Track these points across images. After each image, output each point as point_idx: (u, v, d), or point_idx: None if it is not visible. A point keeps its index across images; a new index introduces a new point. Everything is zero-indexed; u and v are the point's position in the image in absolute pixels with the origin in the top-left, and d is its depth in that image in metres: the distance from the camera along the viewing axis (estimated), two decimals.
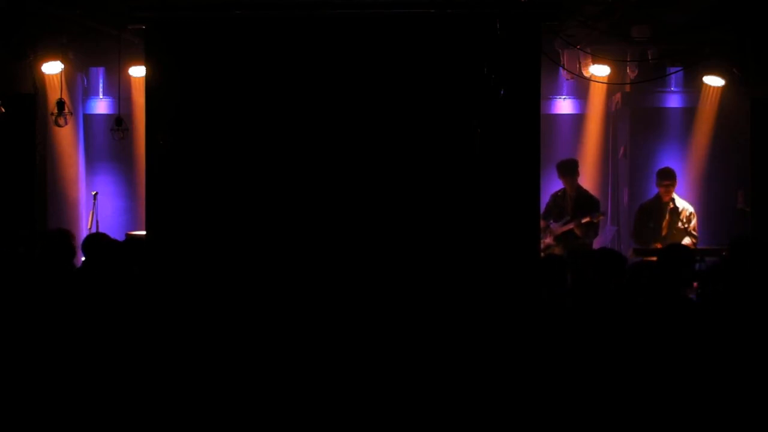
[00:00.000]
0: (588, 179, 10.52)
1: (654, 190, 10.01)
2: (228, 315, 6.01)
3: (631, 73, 10.49)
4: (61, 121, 9.75)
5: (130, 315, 4.57)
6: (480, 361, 4.06)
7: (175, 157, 8.53)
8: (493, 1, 8.27)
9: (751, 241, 6.89)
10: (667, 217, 9.73)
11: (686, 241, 9.47)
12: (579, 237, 9.65)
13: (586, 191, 10.01)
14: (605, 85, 10.52)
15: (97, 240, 5.58)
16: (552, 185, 10.02)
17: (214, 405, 4.18)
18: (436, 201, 8.33)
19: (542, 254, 9.22)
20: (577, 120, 10.99)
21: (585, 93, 10.98)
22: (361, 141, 8.41)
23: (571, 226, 9.66)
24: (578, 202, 9.83)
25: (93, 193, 10.38)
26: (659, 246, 9.53)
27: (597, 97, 10.80)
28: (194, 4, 8.39)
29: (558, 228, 9.76)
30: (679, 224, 9.61)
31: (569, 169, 9.87)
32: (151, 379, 4.27)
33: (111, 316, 4.54)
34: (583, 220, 9.67)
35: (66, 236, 5.69)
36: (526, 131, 8.46)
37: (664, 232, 9.70)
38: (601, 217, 10.02)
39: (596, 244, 9.77)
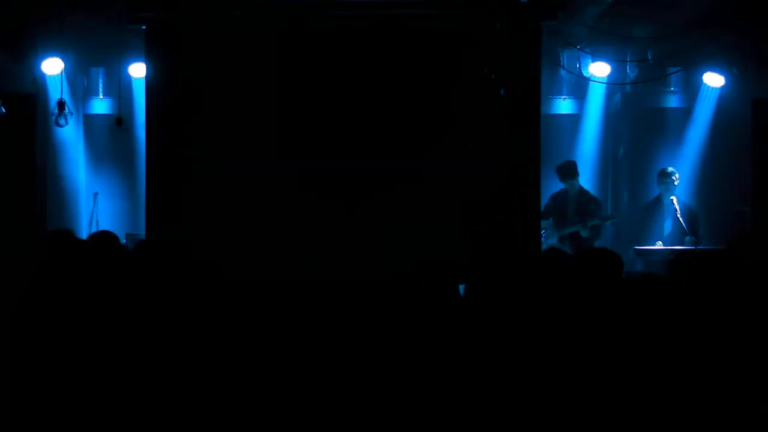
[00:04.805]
0: (588, 179, 10.51)
1: (655, 190, 10.02)
2: (229, 315, 6.00)
3: (631, 73, 10.50)
4: (62, 121, 9.75)
5: (132, 317, 4.57)
6: (479, 358, 4.06)
7: (174, 156, 8.55)
8: (493, 1, 8.28)
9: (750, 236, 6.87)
10: (669, 217, 9.74)
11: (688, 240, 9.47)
12: (585, 239, 9.64)
13: (587, 192, 10.02)
14: (605, 84, 10.52)
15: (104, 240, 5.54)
16: (552, 185, 10.02)
17: (214, 403, 4.18)
18: (436, 200, 8.34)
19: None
20: (577, 120, 10.98)
21: (585, 93, 10.97)
22: (361, 141, 8.42)
23: (578, 228, 9.68)
24: (580, 203, 9.83)
25: (94, 193, 10.40)
26: (661, 245, 9.58)
27: (597, 97, 10.79)
28: (194, 4, 8.40)
29: (564, 230, 9.77)
30: (682, 223, 9.60)
31: (569, 171, 9.87)
32: (152, 380, 4.27)
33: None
34: (592, 223, 9.68)
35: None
36: (526, 131, 8.48)
37: (666, 232, 9.72)
38: (611, 220, 10.02)
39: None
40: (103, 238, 5.53)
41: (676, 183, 9.80)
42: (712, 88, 10.44)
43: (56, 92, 10.07)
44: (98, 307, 4.64)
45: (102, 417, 4.22)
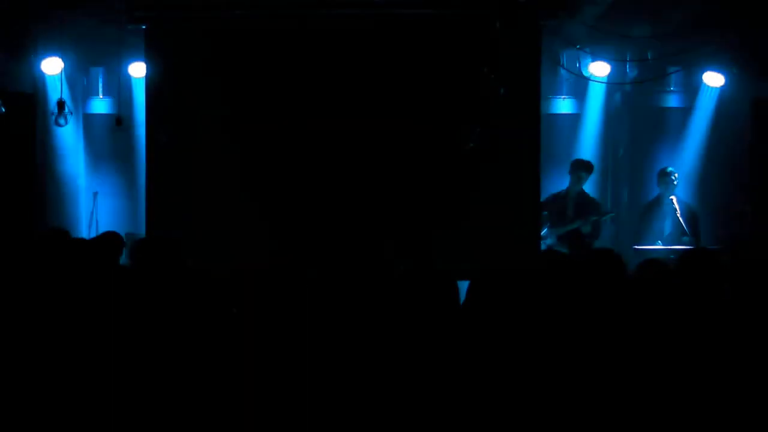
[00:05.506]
0: (588, 178, 10.50)
1: (655, 190, 10.03)
2: (230, 315, 6.01)
3: (630, 72, 10.50)
4: (62, 120, 9.75)
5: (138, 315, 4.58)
6: (479, 360, 4.06)
7: (174, 156, 8.56)
8: (493, 1, 8.29)
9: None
10: (669, 217, 9.75)
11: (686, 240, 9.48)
12: (585, 236, 9.64)
13: (586, 194, 10.02)
14: (605, 84, 10.52)
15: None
16: (552, 185, 10.01)
17: (212, 401, 4.18)
18: (436, 200, 8.35)
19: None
20: (577, 119, 10.98)
21: (585, 93, 10.97)
22: (361, 142, 8.42)
23: (578, 224, 9.69)
24: (579, 205, 9.83)
25: (93, 192, 10.39)
26: (661, 245, 9.58)
27: (597, 97, 10.79)
28: (194, 4, 8.41)
29: (563, 230, 9.77)
30: (682, 223, 9.61)
31: (585, 166, 9.86)
32: (154, 380, 4.28)
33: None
34: (591, 219, 9.68)
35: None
36: (526, 131, 8.49)
37: (666, 232, 9.74)
38: (609, 214, 10.02)
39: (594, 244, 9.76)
40: (107, 238, 5.56)
41: (675, 183, 9.81)
42: (712, 87, 10.43)
43: (56, 92, 10.06)
44: (96, 305, 4.65)
45: (100, 416, 4.21)
